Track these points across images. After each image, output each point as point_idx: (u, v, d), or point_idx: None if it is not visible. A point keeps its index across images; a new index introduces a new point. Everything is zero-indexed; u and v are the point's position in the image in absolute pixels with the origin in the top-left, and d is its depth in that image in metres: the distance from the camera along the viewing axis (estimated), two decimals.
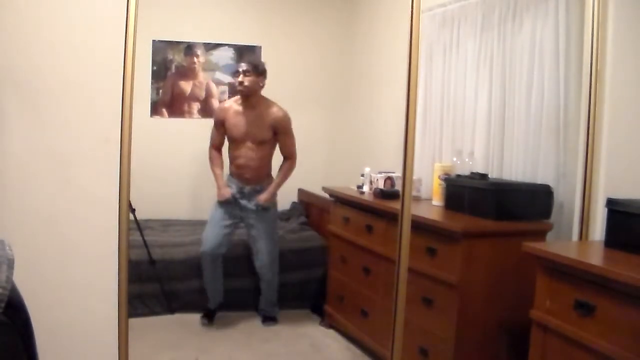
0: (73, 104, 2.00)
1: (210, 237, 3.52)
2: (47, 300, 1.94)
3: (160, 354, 3.13)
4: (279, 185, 3.57)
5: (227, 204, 3.53)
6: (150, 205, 4.35)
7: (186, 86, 4.57)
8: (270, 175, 3.61)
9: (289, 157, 3.58)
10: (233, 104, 3.57)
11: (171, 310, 3.67)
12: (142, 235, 3.64)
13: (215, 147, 3.63)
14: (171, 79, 4.53)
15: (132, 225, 3.34)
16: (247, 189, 3.52)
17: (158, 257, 3.69)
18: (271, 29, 4.72)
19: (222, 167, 3.61)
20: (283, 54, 4.74)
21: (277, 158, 3.62)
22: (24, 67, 1.95)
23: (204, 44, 4.56)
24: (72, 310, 2.03)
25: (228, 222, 3.54)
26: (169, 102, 4.54)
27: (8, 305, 1.12)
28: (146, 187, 4.26)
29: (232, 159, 3.56)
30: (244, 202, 3.52)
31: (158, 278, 3.66)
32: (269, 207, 3.54)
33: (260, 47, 4.68)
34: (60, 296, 2.01)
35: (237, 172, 3.54)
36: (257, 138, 3.46)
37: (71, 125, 2.00)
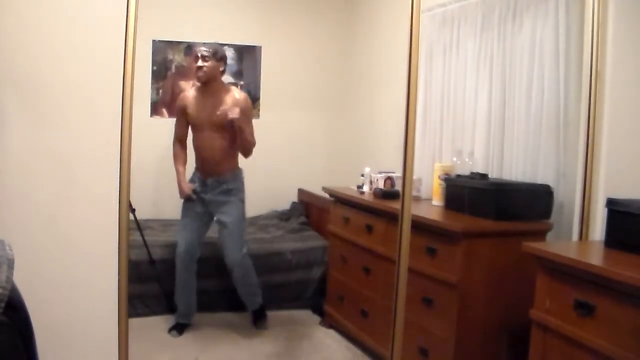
0: (73, 104, 2.00)
1: (181, 239, 3.42)
2: (47, 300, 1.94)
3: (160, 354, 3.13)
4: (242, 132, 3.28)
5: (191, 202, 3.42)
6: (150, 205, 4.35)
7: (186, 86, 4.56)
8: (236, 165, 3.46)
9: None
10: (193, 92, 3.46)
11: (171, 310, 3.67)
12: (142, 235, 3.64)
13: (179, 139, 3.49)
14: (171, 79, 4.54)
15: (132, 225, 3.34)
16: (210, 180, 3.39)
17: (158, 257, 3.68)
18: (271, 29, 4.72)
19: (184, 163, 3.48)
20: (283, 54, 4.75)
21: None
22: (24, 67, 1.95)
23: (204, 44, 4.55)
24: (72, 310, 2.03)
25: (196, 221, 3.43)
26: (169, 102, 4.54)
27: (8, 305, 1.12)
28: (146, 187, 4.26)
29: (196, 151, 3.43)
30: (206, 196, 3.40)
31: (158, 278, 3.66)
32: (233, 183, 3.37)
33: (260, 47, 4.68)
34: (60, 296, 2.01)
35: (201, 164, 3.42)
36: (219, 124, 3.30)
37: (71, 125, 2.00)
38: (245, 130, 3.31)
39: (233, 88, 3.47)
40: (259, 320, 3.60)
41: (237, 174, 3.47)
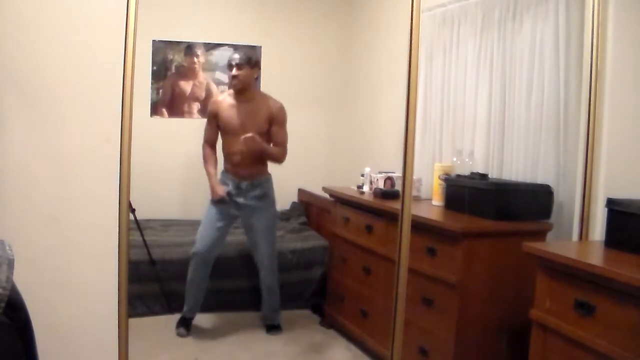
0: (73, 104, 1.99)
1: (204, 238, 3.39)
2: (47, 300, 1.94)
3: (160, 354, 3.13)
4: (267, 150, 3.35)
5: (221, 203, 3.40)
6: (150, 205, 4.35)
7: (186, 86, 4.57)
8: (267, 170, 3.48)
9: (280, 146, 3.43)
10: (227, 97, 3.43)
11: (171, 310, 3.67)
12: (142, 235, 3.64)
13: (209, 143, 3.48)
14: (171, 79, 4.54)
15: (132, 225, 3.35)
16: (244, 184, 3.38)
17: (158, 257, 3.68)
18: (271, 29, 4.72)
19: (216, 166, 3.48)
20: (283, 54, 4.75)
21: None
22: (24, 67, 1.94)
23: (204, 44, 4.56)
24: (72, 310, 2.03)
25: (222, 222, 3.41)
26: (169, 102, 4.54)
27: (8, 305, 1.12)
28: (146, 187, 4.26)
29: (227, 155, 3.42)
30: (240, 199, 3.40)
31: (158, 278, 3.66)
32: (261, 185, 3.42)
33: (260, 47, 4.68)
34: (60, 296, 2.01)
35: (233, 168, 3.41)
36: (252, 131, 3.28)
37: (71, 125, 2.00)
38: (269, 152, 3.36)
39: (269, 96, 3.44)
40: (273, 330, 3.55)
41: (269, 179, 3.50)
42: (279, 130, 3.39)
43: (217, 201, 3.41)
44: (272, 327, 3.55)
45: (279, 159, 3.42)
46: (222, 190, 3.39)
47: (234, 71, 3.29)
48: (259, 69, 3.46)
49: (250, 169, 3.40)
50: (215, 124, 3.45)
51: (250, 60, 3.32)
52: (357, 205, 3.30)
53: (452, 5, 3.26)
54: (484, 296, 2.46)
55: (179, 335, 3.39)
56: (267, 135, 3.39)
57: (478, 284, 2.45)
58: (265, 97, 3.42)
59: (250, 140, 3.22)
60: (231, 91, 3.46)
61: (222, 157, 3.50)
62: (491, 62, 2.98)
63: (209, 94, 4.57)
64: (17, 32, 1.92)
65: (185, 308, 3.48)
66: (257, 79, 3.43)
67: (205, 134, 3.51)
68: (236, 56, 3.31)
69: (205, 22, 4.59)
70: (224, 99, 3.45)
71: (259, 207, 3.43)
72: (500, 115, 2.92)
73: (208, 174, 3.45)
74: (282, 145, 3.41)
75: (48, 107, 1.98)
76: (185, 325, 3.44)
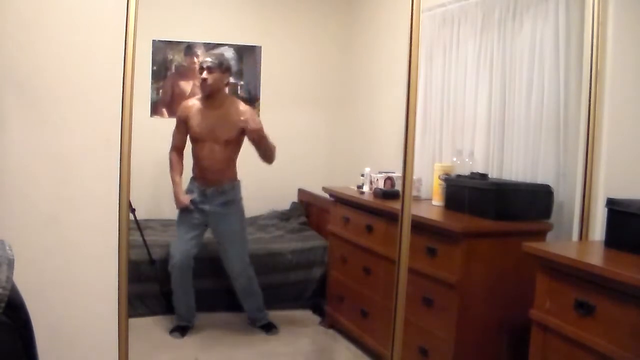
0: (73, 104, 2.00)
1: (176, 252, 3.35)
2: (47, 300, 1.94)
3: (160, 354, 3.13)
4: (269, 143, 3.24)
5: (188, 212, 3.35)
6: (150, 205, 4.35)
7: (186, 86, 4.57)
8: (236, 176, 3.43)
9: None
10: (196, 102, 3.35)
11: (171, 310, 3.67)
12: (142, 235, 3.64)
13: (177, 149, 3.41)
14: (171, 79, 4.54)
15: (132, 225, 3.35)
16: (210, 190, 3.33)
17: (158, 257, 3.68)
18: (271, 29, 4.73)
19: (181, 173, 3.41)
20: (283, 54, 4.75)
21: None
22: (24, 67, 1.95)
23: (204, 44, 4.56)
24: (72, 310, 2.03)
25: (191, 233, 3.36)
26: (169, 102, 4.54)
27: (8, 305, 1.12)
28: (146, 187, 4.26)
29: (196, 161, 3.36)
30: (206, 206, 3.35)
31: (158, 278, 3.66)
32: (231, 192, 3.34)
33: (260, 47, 4.68)
34: (60, 296, 2.01)
35: (200, 174, 3.36)
36: (222, 137, 3.26)
37: (71, 125, 2.00)
38: (270, 145, 3.26)
39: (237, 100, 3.42)
40: (268, 329, 3.55)
41: (236, 185, 3.44)
42: (264, 136, 3.25)
43: (182, 210, 3.37)
44: (267, 326, 3.54)
45: (273, 147, 3.31)
46: (186, 199, 3.35)
47: (204, 74, 3.22)
48: (231, 74, 3.38)
49: (216, 175, 3.34)
50: (184, 129, 3.35)
51: (222, 64, 3.24)
52: (357, 205, 3.30)
53: (452, 5, 3.26)
54: (484, 296, 2.46)
55: (174, 337, 3.38)
56: (237, 141, 3.34)
57: (478, 284, 2.45)
58: (235, 101, 3.37)
59: (255, 132, 3.16)
60: (200, 96, 3.38)
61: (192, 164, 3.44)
62: (491, 62, 2.98)
63: None
64: (17, 32, 1.92)
65: (177, 318, 3.46)
66: (228, 83, 3.34)
67: (173, 139, 3.43)
68: (208, 59, 3.24)
69: (205, 22, 4.59)
70: (194, 104, 3.37)
71: (225, 213, 3.38)
72: (500, 115, 2.92)
73: (173, 181, 3.39)
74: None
75: (48, 107, 1.98)
76: (180, 332, 3.42)
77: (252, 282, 3.50)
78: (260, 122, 3.22)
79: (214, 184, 3.34)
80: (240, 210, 3.46)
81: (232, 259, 3.42)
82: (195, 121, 3.31)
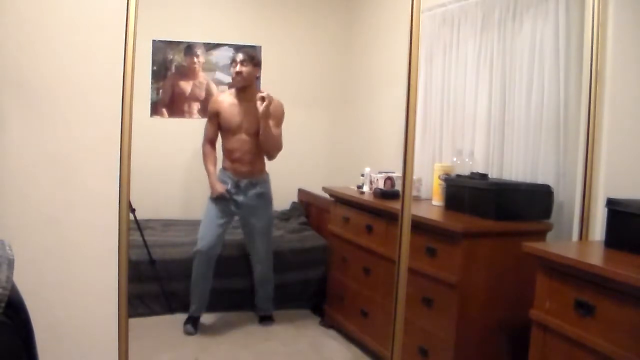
0: (73, 104, 2.00)
1: (206, 236, 3.43)
2: (47, 300, 1.94)
3: (160, 354, 3.13)
4: (270, 129, 3.34)
5: (221, 201, 3.45)
6: (150, 205, 4.35)
7: (186, 86, 4.57)
8: (265, 169, 3.55)
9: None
10: (227, 96, 3.50)
11: (171, 310, 3.67)
12: (142, 235, 3.64)
13: (210, 141, 3.53)
14: (171, 79, 4.54)
15: (132, 225, 3.34)
16: (243, 182, 3.45)
17: (158, 257, 3.68)
18: (271, 29, 4.73)
19: (215, 164, 3.53)
20: (283, 54, 4.75)
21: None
22: (24, 67, 1.95)
23: (204, 44, 4.56)
24: (72, 310, 2.03)
25: (222, 220, 3.46)
26: (169, 102, 4.54)
27: (8, 305, 1.12)
28: (146, 187, 4.26)
29: (227, 153, 3.49)
30: (239, 197, 3.46)
31: (158, 278, 3.66)
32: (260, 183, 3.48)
33: (260, 47, 4.68)
34: (60, 296, 2.01)
35: (232, 165, 3.47)
36: (252, 129, 3.39)
37: (71, 125, 2.00)
38: (273, 126, 3.36)
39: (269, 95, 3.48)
40: (266, 320, 3.65)
41: (267, 178, 3.56)
42: (274, 126, 3.40)
43: (217, 198, 3.45)
44: (265, 318, 3.62)
45: (276, 147, 3.44)
46: (221, 188, 3.45)
47: (238, 67, 3.36)
48: (260, 68, 3.52)
49: (249, 167, 3.46)
50: (216, 122, 3.49)
51: (254, 58, 3.42)
52: (357, 205, 3.30)
53: (452, 5, 3.26)
54: (483, 296, 2.46)
55: (187, 332, 3.41)
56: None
57: (478, 284, 2.45)
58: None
59: (261, 115, 3.25)
60: (232, 90, 3.52)
61: (222, 155, 3.53)
62: (491, 62, 2.98)
63: (208, 94, 4.57)
64: (17, 32, 1.92)
65: (192, 307, 3.50)
66: (258, 78, 3.48)
67: (205, 132, 3.56)
68: (240, 53, 3.40)
69: (205, 22, 4.59)
70: (225, 97, 3.51)
71: (257, 205, 3.50)
72: (500, 115, 2.92)
73: (208, 171, 3.50)
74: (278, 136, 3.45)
75: (48, 107, 1.98)
76: (193, 324, 3.46)
77: (270, 270, 3.64)
78: (268, 111, 3.28)
79: (246, 176, 3.47)
80: (271, 202, 3.60)
81: (260, 252, 3.57)
82: (226, 114, 3.45)
